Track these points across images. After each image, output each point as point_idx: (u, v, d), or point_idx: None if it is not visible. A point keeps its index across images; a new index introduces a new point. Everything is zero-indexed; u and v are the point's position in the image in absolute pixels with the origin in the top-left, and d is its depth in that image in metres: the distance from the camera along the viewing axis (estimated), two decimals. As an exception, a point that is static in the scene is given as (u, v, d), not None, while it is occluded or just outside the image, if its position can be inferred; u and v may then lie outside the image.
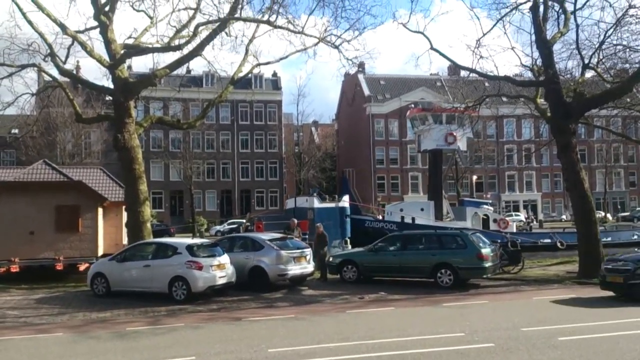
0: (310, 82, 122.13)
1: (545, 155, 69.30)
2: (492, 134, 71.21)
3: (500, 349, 9.23)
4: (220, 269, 15.94)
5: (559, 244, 39.34)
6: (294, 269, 17.55)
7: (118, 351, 10.13)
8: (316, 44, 22.10)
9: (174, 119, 28.36)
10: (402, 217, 37.31)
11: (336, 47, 21.87)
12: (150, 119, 23.76)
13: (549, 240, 35.87)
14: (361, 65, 58.48)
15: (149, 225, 20.28)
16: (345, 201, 38.97)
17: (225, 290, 16.32)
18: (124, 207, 28.25)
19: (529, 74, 23.82)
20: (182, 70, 26.99)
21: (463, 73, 25.43)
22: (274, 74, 74.18)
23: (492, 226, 35.68)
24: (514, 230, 39.32)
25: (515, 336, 10.12)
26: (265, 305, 15.10)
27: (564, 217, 67.84)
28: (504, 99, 28.74)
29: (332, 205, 38.74)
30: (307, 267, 18.15)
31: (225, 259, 16.32)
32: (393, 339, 10.23)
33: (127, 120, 19.99)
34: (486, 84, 28.23)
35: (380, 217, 41.63)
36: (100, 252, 23.99)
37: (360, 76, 70.28)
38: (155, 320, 13.14)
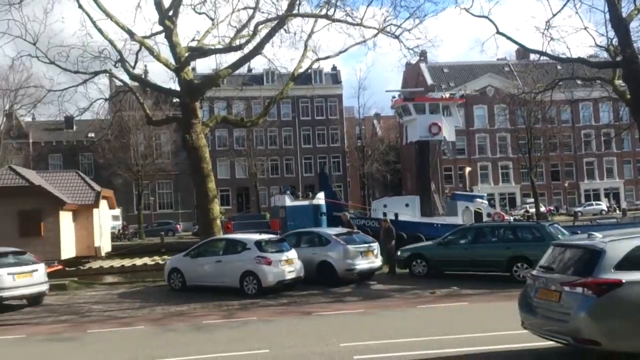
0: (370, 75, 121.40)
1: (626, 139, 65.61)
2: (567, 119, 67.55)
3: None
4: (289, 264, 16.07)
5: None
6: (362, 264, 17.43)
7: (197, 343, 10.42)
8: (375, 35, 21.78)
9: (237, 118, 28.79)
10: (384, 214, 35.84)
11: (396, 37, 21.48)
12: (216, 118, 24.26)
13: None
14: (423, 54, 57.40)
15: (218, 221, 20.65)
16: (320, 199, 37.95)
17: (294, 285, 16.44)
18: (94, 209, 27.88)
19: (604, 55, 22.53)
20: (243, 70, 27.30)
21: (533, 56, 24.50)
22: (334, 68, 74.15)
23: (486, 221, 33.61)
24: None
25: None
26: (334, 299, 15.08)
27: (649, 204, 63.70)
28: (579, 82, 27.43)
29: (306, 203, 37.79)
30: (374, 261, 17.99)
31: (293, 254, 16.44)
32: (467, 334, 9.88)
33: (194, 121, 20.38)
34: (558, 67, 26.90)
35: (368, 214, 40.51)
36: (65, 255, 23.79)
37: (422, 65, 68.67)
38: (229, 314, 13.41)
